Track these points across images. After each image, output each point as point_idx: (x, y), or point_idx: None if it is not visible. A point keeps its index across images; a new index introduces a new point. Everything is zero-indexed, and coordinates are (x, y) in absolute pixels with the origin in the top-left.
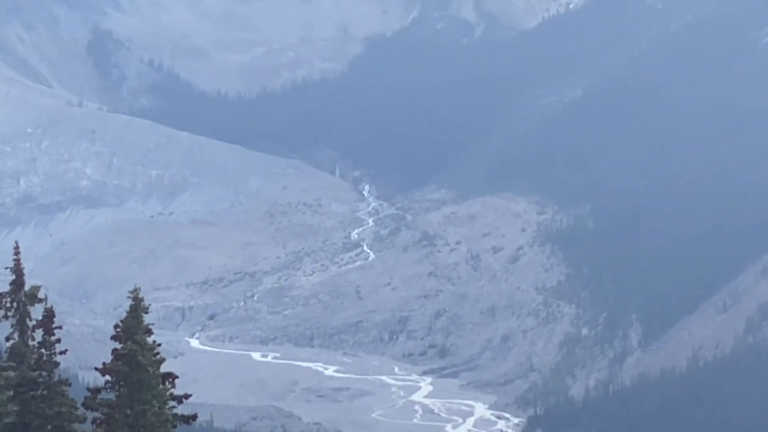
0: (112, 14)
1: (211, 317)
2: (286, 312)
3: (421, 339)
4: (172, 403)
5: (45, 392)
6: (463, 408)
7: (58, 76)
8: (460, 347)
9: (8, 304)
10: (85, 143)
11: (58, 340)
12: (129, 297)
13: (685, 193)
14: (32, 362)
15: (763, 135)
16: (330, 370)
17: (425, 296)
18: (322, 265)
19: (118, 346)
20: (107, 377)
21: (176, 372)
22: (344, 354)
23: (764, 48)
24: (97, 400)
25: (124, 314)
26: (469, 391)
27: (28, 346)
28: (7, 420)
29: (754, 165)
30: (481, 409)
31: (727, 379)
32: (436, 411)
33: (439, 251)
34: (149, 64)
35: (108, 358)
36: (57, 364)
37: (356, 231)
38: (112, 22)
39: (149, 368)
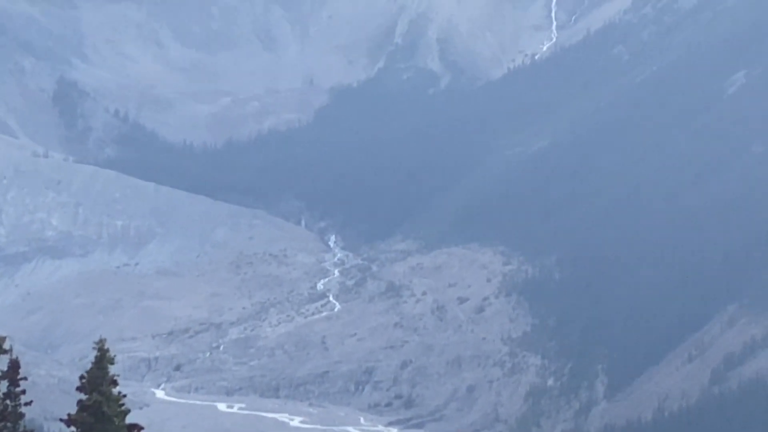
0: (78, 65)
1: (177, 368)
2: (251, 363)
3: (387, 389)
4: None
5: None
6: None
7: (24, 126)
8: (426, 398)
9: None
10: (51, 193)
11: (23, 391)
12: (94, 348)
13: (651, 244)
14: None
15: (728, 186)
16: (296, 421)
17: (391, 347)
18: (288, 315)
19: (84, 397)
20: (72, 428)
21: (142, 423)
22: (310, 405)
23: (730, 99)
24: None
25: (90, 365)
26: None
27: None
28: None
29: (720, 216)
30: None
31: (692, 430)
32: None
33: (405, 302)
34: (115, 115)
35: (73, 409)
36: (22, 415)
37: (322, 282)
38: (78, 73)
39: (115, 419)
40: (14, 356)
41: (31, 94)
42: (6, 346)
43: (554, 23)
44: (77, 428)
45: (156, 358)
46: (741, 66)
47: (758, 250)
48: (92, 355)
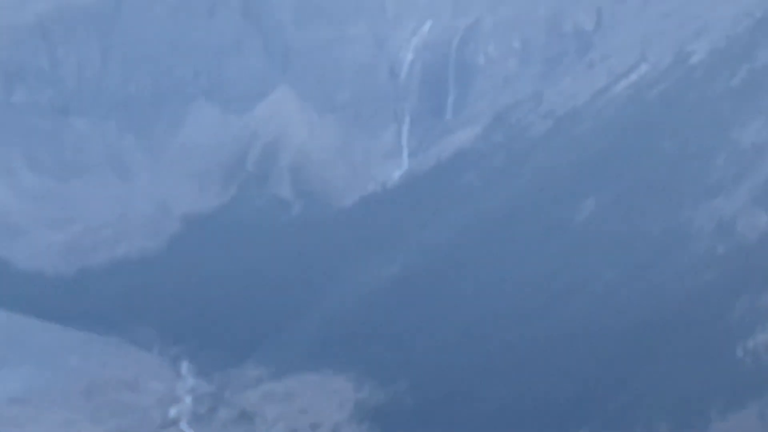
0: None
1: None
2: None
3: None
4: None
5: None
6: None
7: None
8: None
9: None
10: None
11: None
12: None
13: (503, 372)
14: None
15: (578, 313)
16: None
17: None
18: None
19: None
20: None
21: None
22: None
23: (579, 226)
24: None
25: None
26: None
27: None
28: None
29: (569, 343)
30: None
31: None
32: None
33: (257, 429)
34: None
35: None
36: None
37: (174, 409)
38: None
39: None
40: None
41: None
42: None
43: (405, 150)
44: None
45: None
46: (591, 192)
47: (610, 376)
48: None
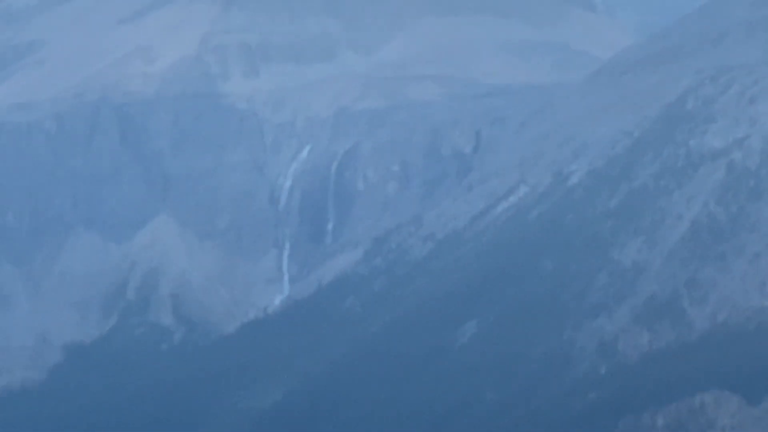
0: None
1: None
2: None
3: None
4: None
5: None
6: None
7: None
8: None
9: None
10: None
11: None
12: None
13: None
14: None
15: None
16: None
17: None
18: None
19: None
20: None
21: None
22: None
23: (461, 349)
24: None
25: None
26: None
27: None
28: None
29: None
30: None
31: None
32: None
33: None
34: None
35: None
36: None
37: None
38: None
39: None
40: None
41: None
42: None
43: (286, 276)
44: None
45: None
46: (472, 315)
47: None
48: None
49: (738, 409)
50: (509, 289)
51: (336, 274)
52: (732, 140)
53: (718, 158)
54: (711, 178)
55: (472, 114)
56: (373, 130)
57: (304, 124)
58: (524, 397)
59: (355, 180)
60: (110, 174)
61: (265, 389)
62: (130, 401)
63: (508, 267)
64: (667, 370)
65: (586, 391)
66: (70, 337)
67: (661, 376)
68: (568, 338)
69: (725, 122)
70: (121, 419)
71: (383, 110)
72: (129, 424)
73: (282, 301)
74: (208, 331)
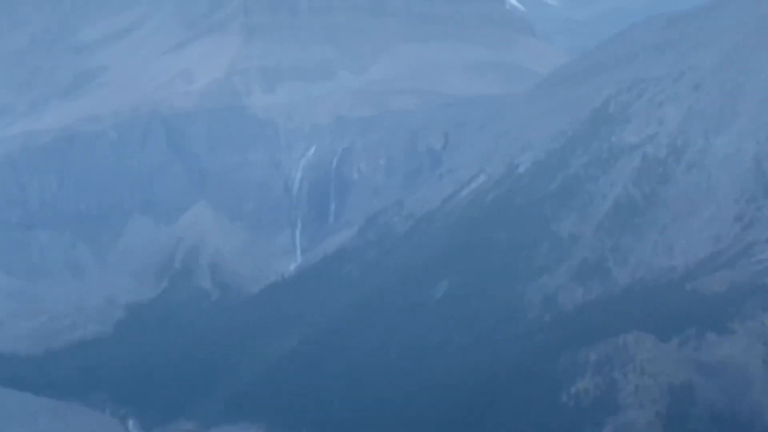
0: None
1: None
2: None
3: None
4: None
5: None
6: None
7: None
8: None
9: None
10: None
11: None
12: None
13: (380, 414)
14: None
15: (438, 370)
16: None
17: None
18: None
19: None
20: None
21: None
22: None
23: (436, 303)
24: None
25: None
26: None
27: None
28: None
29: (432, 393)
30: None
31: None
32: None
33: None
34: None
35: None
36: None
37: None
38: None
39: None
40: None
41: None
42: None
43: (298, 248)
44: None
45: None
46: (444, 276)
47: (464, 418)
48: None
49: (653, 346)
50: (472, 256)
51: (337, 246)
52: (645, 136)
53: (634, 150)
54: (628, 166)
55: (442, 119)
56: (364, 133)
57: (310, 129)
58: (485, 339)
59: (351, 172)
60: (159, 170)
61: (284, 337)
62: (178, 348)
63: (471, 238)
64: (596, 317)
65: (534, 334)
66: (130, 298)
67: (592, 321)
68: (519, 293)
69: (639, 122)
70: (170, 363)
71: (372, 117)
72: (177, 366)
73: (295, 268)
74: (238, 292)
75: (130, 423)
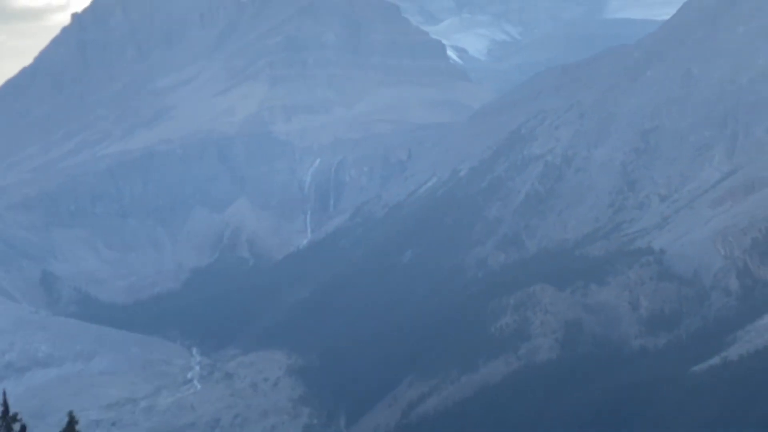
0: None
1: None
2: None
3: None
4: None
5: None
6: None
7: None
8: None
9: None
10: None
11: None
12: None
13: (368, 343)
14: None
15: (406, 314)
16: None
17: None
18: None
19: None
20: None
21: None
22: None
23: (403, 266)
24: None
25: None
26: None
27: None
28: None
29: (399, 332)
30: None
31: None
32: None
33: (235, 383)
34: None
35: None
36: None
37: (189, 373)
38: None
39: None
40: None
41: None
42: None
43: (309, 229)
44: None
45: None
46: (409, 247)
47: (423, 346)
48: None
49: (553, 293)
50: (429, 233)
51: (335, 227)
52: (546, 149)
53: (539, 159)
54: (535, 170)
55: (407, 140)
56: (354, 150)
57: (317, 147)
58: (439, 291)
59: (345, 177)
60: (212, 177)
61: (299, 290)
62: (226, 298)
63: (428, 221)
64: (514, 274)
65: (471, 286)
66: (194, 264)
67: (511, 276)
68: (462, 258)
69: (542, 140)
70: (221, 308)
71: (359, 139)
72: (225, 311)
73: (307, 242)
74: (268, 259)
75: (194, 350)
